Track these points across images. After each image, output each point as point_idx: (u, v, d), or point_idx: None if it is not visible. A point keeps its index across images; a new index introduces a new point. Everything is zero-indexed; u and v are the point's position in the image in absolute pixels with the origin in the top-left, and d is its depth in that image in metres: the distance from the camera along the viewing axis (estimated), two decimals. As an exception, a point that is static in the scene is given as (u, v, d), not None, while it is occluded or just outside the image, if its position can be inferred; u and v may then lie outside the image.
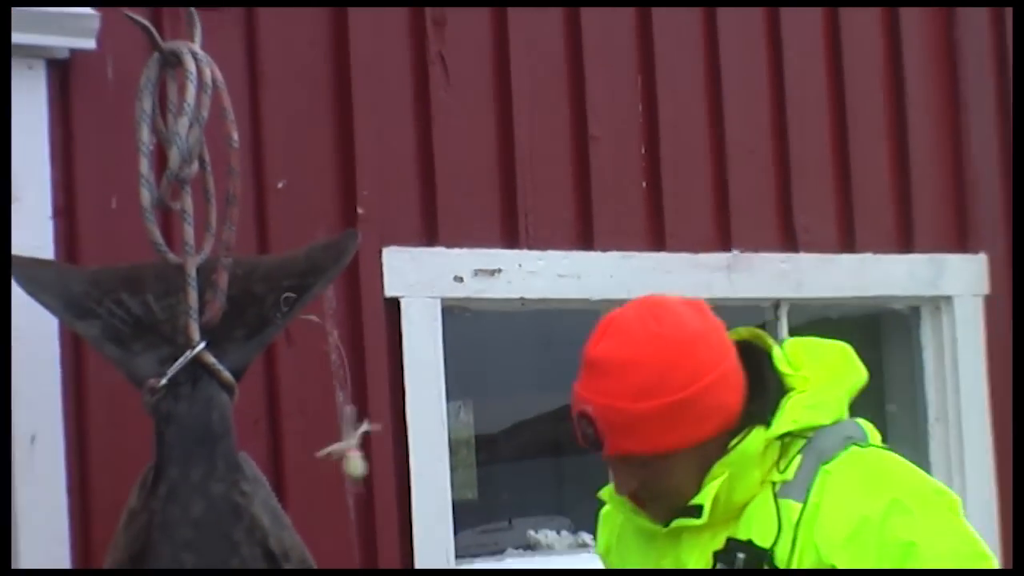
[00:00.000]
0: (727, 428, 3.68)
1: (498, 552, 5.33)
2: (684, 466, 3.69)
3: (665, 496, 3.72)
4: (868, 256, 5.87)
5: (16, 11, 4.41)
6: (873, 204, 5.98)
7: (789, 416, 3.67)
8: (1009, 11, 6.56)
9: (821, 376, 3.78)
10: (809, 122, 5.89)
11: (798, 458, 3.64)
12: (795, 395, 3.73)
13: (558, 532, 5.42)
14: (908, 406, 5.39)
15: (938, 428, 6.03)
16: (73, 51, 4.50)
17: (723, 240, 5.58)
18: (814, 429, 3.67)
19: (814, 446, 3.65)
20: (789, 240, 5.67)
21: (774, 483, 3.64)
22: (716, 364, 3.66)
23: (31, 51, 4.46)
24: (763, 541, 3.61)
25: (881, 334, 6.17)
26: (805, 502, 3.57)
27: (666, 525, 3.77)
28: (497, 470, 5.42)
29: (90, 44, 4.48)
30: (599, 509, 4.16)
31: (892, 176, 6.06)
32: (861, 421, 3.78)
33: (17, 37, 4.40)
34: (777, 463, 3.67)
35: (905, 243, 5.98)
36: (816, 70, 5.97)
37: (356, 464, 4.42)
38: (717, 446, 3.67)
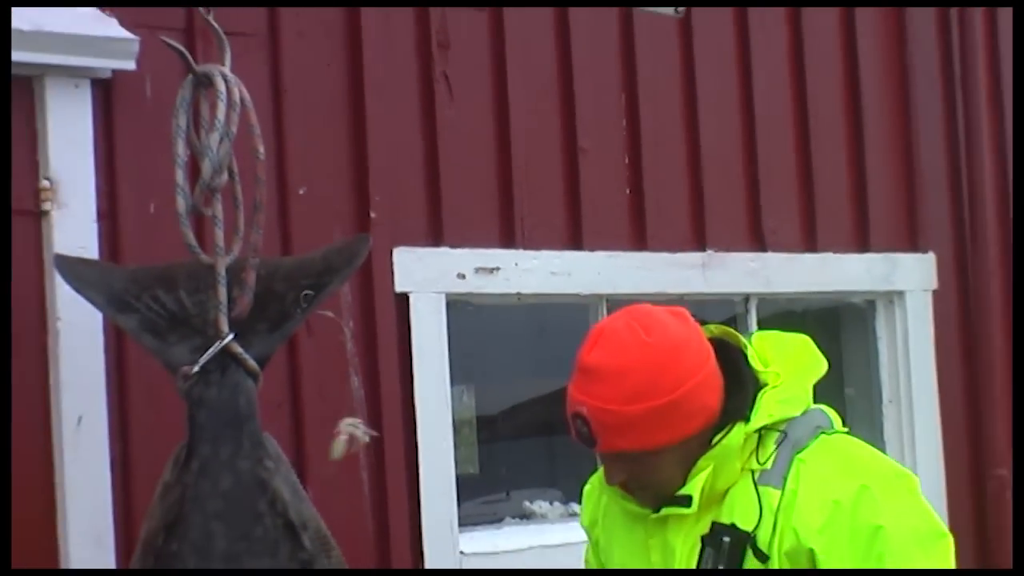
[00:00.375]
0: (709, 425, 3.70)
1: (497, 521, 5.35)
2: (670, 461, 3.71)
3: (652, 487, 3.74)
4: (828, 255, 5.90)
5: (63, 34, 4.46)
6: (833, 208, 6.00)
7: (765, 411, 3.71)
8: (955, 21, 6.53)
9: (788, 369, 3.81)
10: (775, 135, 5.91)
11: (774, 448, 3.69)
12: (769, 391, 3.77)
13: (551, 503, 5.43)
14: (864, 390, 5.46)
15: (891, 409, 6.06)
16: (115, 71, 4.52)
17: (698, 241, 5.61)
18: (787, 421, 3.72)
19: (788, 436, 3.70)
20: (758, 241, 5.69)
21: (753, 471, 3.68)
22: (699, 368, 3.68)
23: (77, 71, 4.49)
24: (746, 524, 3.66)
25: (840, 325, 6.18)
26: (783, 489, 3.63)
27: (656, 511, 3.79)
28: (496, 447, 5.42)
29: (130, 65, 4.50)
30: (584, 478, 4.15)
31: (850, 183, 6.08)
32: (825, 408, 3.81)
33: (64, 59, 4.44)
34: (756, 453, 3.71)
35: (862, 243, 6.02)
36: (782, 88, 5.98)
37: (343, 440, 4.48)
38: (700, 442, 3.69)
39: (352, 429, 4.49)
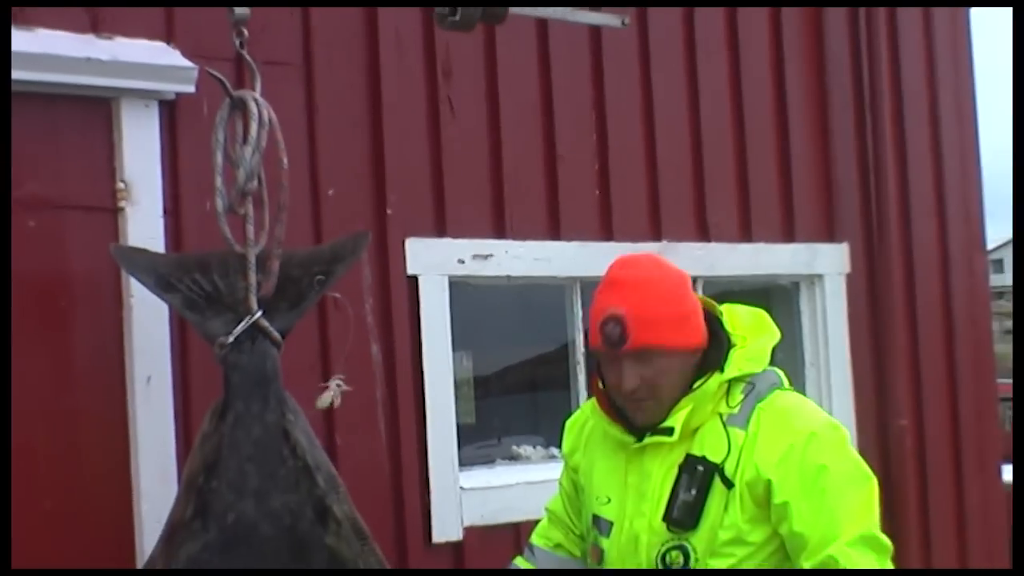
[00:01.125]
0: (700, 351, 3.85)
1: (490, 462, 5.38)
2: (672, 375, 3.82)
3: (653, 398, 3.81)
4: (761, 245, 5.92)
5: (136, 64, 4.51)
6: (764, 207, 6.02)
7: (736, 365, 3.81)
8: (865, 52, 6.51)
9: (751, 335, 3.92)
10: (717, 146, 5.92)
11: (740, 397, 3.78)
12: (738, 349, 3.89)
13: (534, 447, 5.46)
14: (790, 355, 5.54)
15: (812, 371, 6.08)
16: (178, 94, 4.54)
17: (655, 233, 5.64)
18: (752, 375, 3.82)
19: (752, 388, 3.81)
20: (703, 233, 5.71)
21: (721, 414, 3.78)
22: (697, 301, 3.88)
23: (147, 94, 4.51)
24: (715, 457, 3.75)
25: (770, 302, 6.10)
26: (747, 431, 3.74)
27: (639, 440, 3.87)
28: (489, 402, 5.40)
29: (190, 89, 4.53)
30: (563, 425, 4.21)
31: (778, 185, 6.08)
32: (778, 370, 3.91)
33: (137, 84, 4.47)
34: (725, 398, 3.81)
35: (788, 235, 6.04)
36: (723, 107, 5.97)
37: (331, 394, 4.53)
38: (690, 374, 3.83)
39: (336, 388, 4.57)
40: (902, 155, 6.51)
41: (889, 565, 3.74)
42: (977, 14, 7.33)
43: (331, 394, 4.58)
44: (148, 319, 4.50)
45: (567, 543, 4.19)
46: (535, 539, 4.26)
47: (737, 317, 3.98)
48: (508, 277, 5.31)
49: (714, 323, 3.91)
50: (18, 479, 4.27)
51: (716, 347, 3.87)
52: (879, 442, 5.97)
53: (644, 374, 3.79)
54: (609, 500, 3.96)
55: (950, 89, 6.80)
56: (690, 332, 3.85)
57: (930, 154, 6.66)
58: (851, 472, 3.79)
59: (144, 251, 4.42)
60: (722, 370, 3.82)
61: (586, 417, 4.13)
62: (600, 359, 3.93)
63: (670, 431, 3.80)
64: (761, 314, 4.03)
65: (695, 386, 3.81)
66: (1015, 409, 2.90)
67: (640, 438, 3.87)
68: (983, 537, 6.58)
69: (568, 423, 4.23)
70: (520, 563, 4.24)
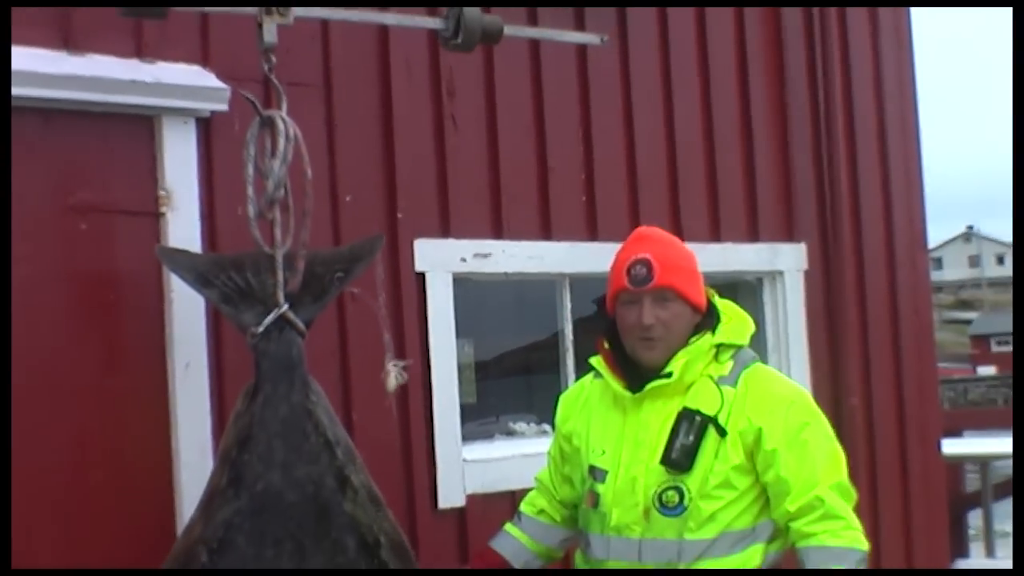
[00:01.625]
0: (700, 314, 4.00)
1: (489, 437, 5.40)
2: (682, 322, 3.97)
3: (664, 339, 3.93)
4: (728, 245, 5.93)
5: (176, 85, 4.52)
6: (732, 211, 6.04)
7: (725, 333, 3.96)
8: (821, 71, 6.49)
9: (735, 316, 4.07)
10: (690, 157, 5.93)
11: (729, 362, 3.92)
12: (726, 322, 4.01)
13: (528, 423, 5.48)
14: (754, 342, 5.60)
15: (773, 356, 6.07)
16: (213, 112, 4.57)
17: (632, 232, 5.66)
18: (736, 347, 3.95)
19: (738, 356, 3.95)
20: (677, 234, 5.37)
21: (711, 376, 3.91)
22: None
23: (185, 112, 4.54)
24: (709, 410, 3.86)
25: (737, 296, 5.87)
26: (736, 388, 3.87)
27: (638, 390, 3.95)
28: (488, 384, 5.39)
29: (224, 107, 4.55)
30: (554, 404, 4.29)
31: (744, 191, 6.10)
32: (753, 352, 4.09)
33: (176, 103, 4.50)
34: (715, 361, 3.93)
35: (752, 236, 6.07)
36: (695, 122, 5.97)
37: (393, 378, 4.53)
38: (689, 331, 3.96)
39: (397, 371, 4.56)
40: (853, 164, 6.53)
41: (853, 513, 3.86)
42: (924, 35, 7.28)
43: (394, 375, 4.56)
44: (186, 311, 4.52)
45: (549, 509, 4.25)
46: (523, 507, 4.33)
47: (724, 303, 4.10)
48: (505, 274, 5.33)
49: (709, 299, 4.05)
50: (72, 454, 4.33)
51: (709, 316, 4.00)
52: (833, 418, 5.79)
53: (660, 315, 3.90)
54: (604, 452, 4.00)
55: (896, 105, 6.80)
56: (699, 290, 4.01)
57: (878, 163, 6.67)
58: (826, 431, 3.96)
59: (184, 251, 4.43)
60: (713, 333, 3.94)
61: (581, 389, 4.20)
62: (621, 302, 4.01)
63: (669, 375, 3.88)
64: (737, 306, 4.17)
65: (691, 341, 3.92)
66: (1015, 409, 2.62)
67: (639, 389, 3.94)
68: (924, 502, 6.62)
69: (562, 396, 4.30)
70: (509, 529, 4.29)
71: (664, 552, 3.87)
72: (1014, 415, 2.10)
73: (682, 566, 3.86)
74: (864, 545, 3.83)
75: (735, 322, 4.05)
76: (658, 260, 3.95)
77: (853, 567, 3.77)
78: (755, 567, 3.88)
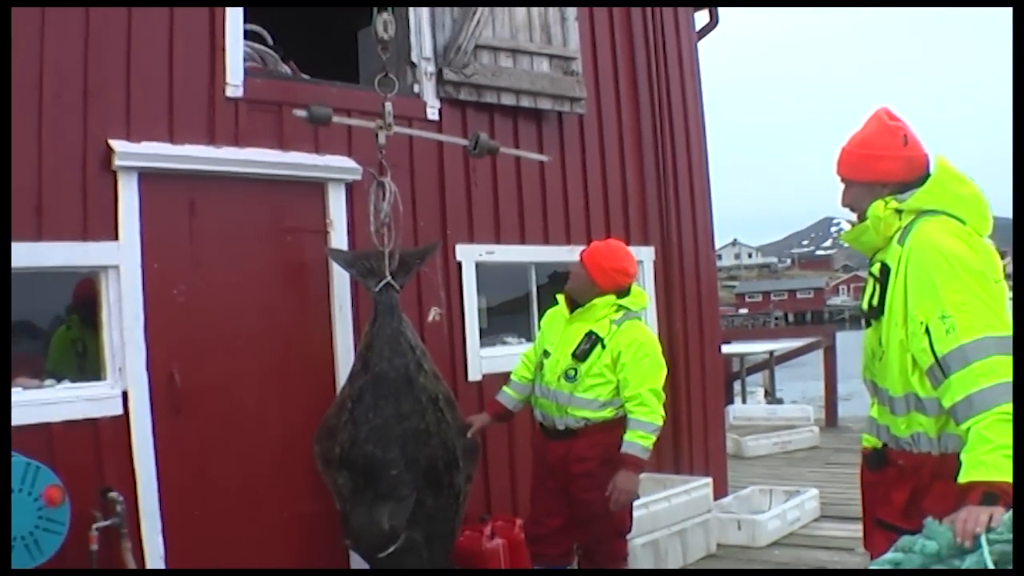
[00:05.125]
0: (602, 288, 3.78)
1: (493, 345, 5.21)
2: (596, 290, 3.79)
3: (576, 293, 3.84)
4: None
5: (333, 166, 4.35)
6: (616, 225, 5.77)
7: (627, 302, 3.85)
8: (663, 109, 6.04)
9: (637, 295, 3.90)
10: (596, 198, 5.73)
11: (621, 314, 3.81)
12: (631, 296, 3.87)
13: (513, 339, 5.36)
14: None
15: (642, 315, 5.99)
16: (353, 180, 4.48)
17: (567, 241, 5.49)
18: (629, 309, 3.82)
19: (628, 313, 3.80)
20: (588, 240, 5.09)
21: (610, 319, 3.78)
22: (632, 269, 3.88)
23: (339, 180, 4.44)
24: (601, 334, 3.77)
25: None
26: (620, 328, 3.74)
27: (571, 312, 3.84)
28: (494, 319, 5.27)
29: (359, 178, 4.46)
30: (529, 329, 4.22)
31: (622, 215, 5.81)
32: (641, 315, 3.90)
33: (335, 175, 4.41)
34: (615, 312, 3.81)
35: (627, 240, 5.51)
36: (599, 185, 5.72)
37: (432, 315, 4.62)
38: (594, 295, 3.79)
39: (436, 312, 4.67)
40: (677, 196, 6.24)
41: (659, 404, 3.65)
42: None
43: (433, 313, 4.70)
44: (341, 280, 4.45)
45: (527, 375, 4.15)
46: (512, 376, 4.24)
47: (635, 287, 3.96)
48: (501, 263, 5.25)
49: (627, 284, 3.90)
50: (283, 350, 4.24)
51: (623, 292, 3.86)
52: (666, 337, 5.86)
53: (575, 271, 3.88)
54: (552, 343, 3.94)
55: (697, 157, 6.40)
56: (606, 279, 3.83)
57: (689, 197, 6.34)
58: (657, 359, 3.79)
59: (341, 250, 4.40)
60: (618, 298, 3.83)
61: (555, 311, 4.06)
62: (571, 274, 3.95)
63: (585, 307, 3.82)
64: (643, 291, 4.00)
65: (603, 298, 3.84)
66: (1015, 408, 1.97)
67: (572, 314, 3.88)
68: (713, 376, 6.44)
69: (546, 315, 4.16)
70: (505, 389, 4.16)
71: (562, 398, 3.84)
72: (1014, 415, 1.90)
73: (569, 409, 3.81)
74: (658, 421, 3.65)
75: (635, 297, 3.92)
76: (590, 258, 3.90)
77: (650, 433, 3.62)
78: (608, 417, 3.75)
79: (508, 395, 4.23)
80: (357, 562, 4.24)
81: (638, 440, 3.62)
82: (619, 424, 3.79)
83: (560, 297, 4.04)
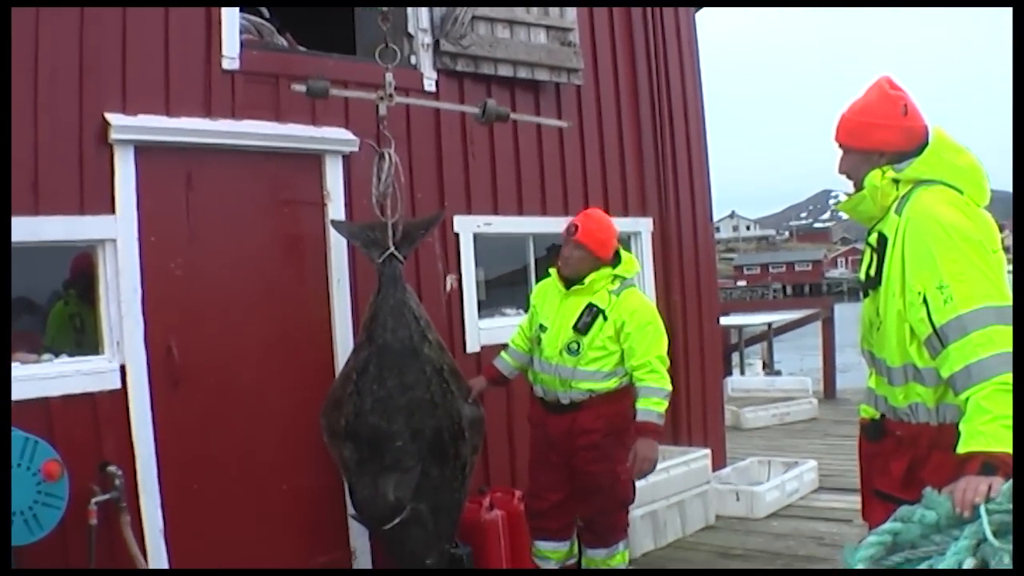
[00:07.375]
0: (607, 261, 3.85)
1: (491, 316, 5.21)
2: (589, 261, 3.85)
3: (570, 267, 3.86)
4: (613, 217, 5.32)
5: (331, 138, 4.33)
6: (615, 197, 5.78)
7: (620, 269, 3.85)
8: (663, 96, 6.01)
9: (629, 262, 3.92)
10: (594, 171, 5.70)
11: (618, 283, 3.82)
12: (623, 264, 3.91)
13: (511, 310, 5.34)
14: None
15: (639, 277, 5.73)
16: (350, 152, 4.45)
17: (565, 212, 5.38)
18: (624, 277, 3.84)
19: (624, 282, 3.83)
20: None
21: (608, 289, 3.82)
22: (614, 238, 3.91)
23: (337, 152, 4.41)
24: (602, 306, 3.80)
25: (627, 244, 5.87)
26: (619, 298, 3.75)
27: (567, 288, 3.88)
28: (491, 290, 5.26)
29: (356, 150, 4.44)
30: (526, 299, 4.16)
31: (620, 187, 5.84)
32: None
33: (332, 146, 4.37)
34: (611, 282, 3.88)
35: (625, 212, 5.79)
36: (596, 159, 5.73)
37: (448, 284, 4.62)
38: (591, 267, 3.84)
39: (452, 280, 4.66)
40: (675, 170, 6.24)
41: (665, 371, 3.69)
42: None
43: (449, 282, 4.68)
44: (338, 251, 4.43)
45: (523, 345, 4.18)
46: (510, 343, 4.28)
47: (625, 254, 3.98)
48: (500, 234, 5.23)
49: (618, 251, 3.94)
50: (281, 322, 4.21)
51: (616, 260, 3.89)
52: (665, 308, 5.88)
53: (575, 254, 3.86)
54: (548, 317, 3.96)
55: (695, 130, 6.40)
56: (607, 249, 3.88)
57: (687, 170, 6.33)
58: (658, 327, 3.83)
59: (345, 221, 4.37)
60: (613, 268, 3.86)
61: (544, 284, 4.10)
62: (562, 242, 3.96)
63: (582, 282, 3.85)
64: (633, 257, 4.05)
65: (599, 269, 3.87)
66: (1015, 407, 1.88)
67: (568, 289, 3.90)
68: (711, 347, 6.45)
69: (535, 286, 4.21)
70: (502, 355, 4.22)
71: (565, 372, 3.85)
72: (1014, 415, 1.84)
73: (573, 383, 3.83)
74: (668, 387, 3.67)
75: (627, 264, 3.95)
76: (583, 225, 3.91)
77: (663, 399, 3.63)
78: (612, 388, 3.78)
79: (505, 361, 4.26)
80: (356, 538, 4.27)
81: (653, 407, 3.62)
82: (622, 395, 3.80)
83: (553, 271, 4.04)
